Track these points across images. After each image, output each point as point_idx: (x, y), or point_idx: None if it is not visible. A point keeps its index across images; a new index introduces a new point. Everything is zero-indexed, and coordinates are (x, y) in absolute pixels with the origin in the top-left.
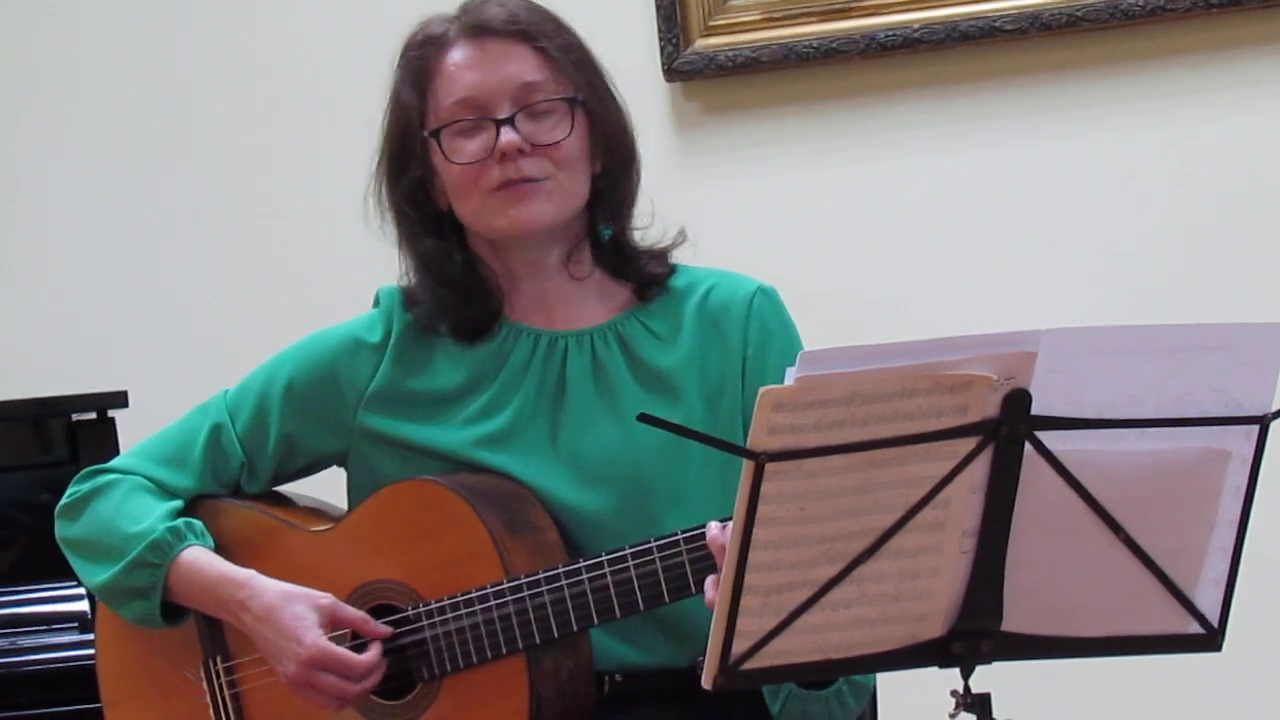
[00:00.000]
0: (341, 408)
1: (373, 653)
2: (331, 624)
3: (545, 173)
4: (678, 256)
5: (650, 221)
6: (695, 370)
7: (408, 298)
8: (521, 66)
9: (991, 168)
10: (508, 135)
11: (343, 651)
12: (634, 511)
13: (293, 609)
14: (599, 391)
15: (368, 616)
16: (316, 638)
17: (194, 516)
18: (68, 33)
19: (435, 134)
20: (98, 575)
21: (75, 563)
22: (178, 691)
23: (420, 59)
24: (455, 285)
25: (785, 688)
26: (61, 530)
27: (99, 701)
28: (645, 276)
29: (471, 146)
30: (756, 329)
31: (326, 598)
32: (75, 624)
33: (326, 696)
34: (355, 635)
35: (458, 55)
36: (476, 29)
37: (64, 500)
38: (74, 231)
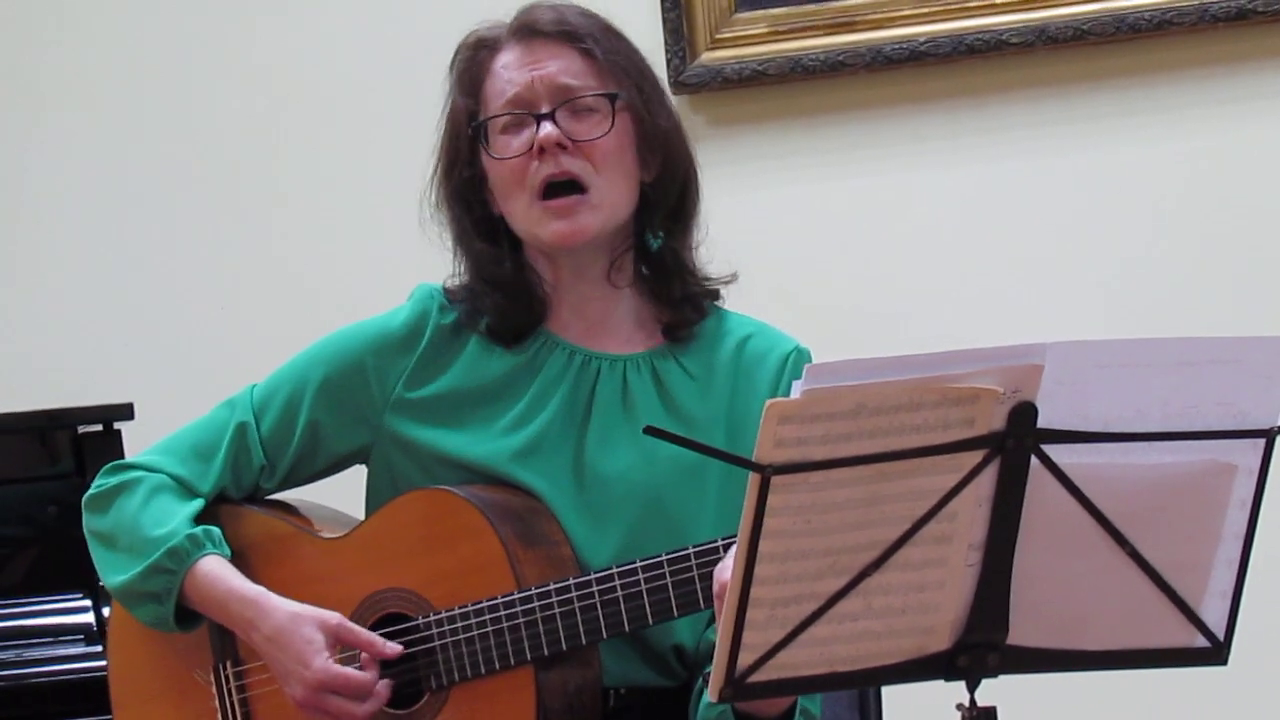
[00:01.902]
0: (369, 405)
1: (375, 673)
2: (339, 644)
3: (585, 174)
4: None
5: (701, 240)
6: (723, 415)
7: (450, 296)
8: (565, 66)
9: (998, 180)
10: (547, 129)
11: (350, 673)
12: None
13: (301, 631)
14: (625, 417)
15: (375, 637)
16: (323, 662)
17: (213, 520)
18: (73, 43)
19: (482, 130)
20: (116, 575)
21: (97, 555)
22: (187, 695)
23: (472, 61)
24: (504, 287)
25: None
26: (88, 521)
27: (106, 713)
28: (680, 314)
29: (515, 143)
30: (786, 386)
31: (335, 617)
32: (81, 636)
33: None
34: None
35: (506, 56)
36: (525, 31)
37: (91, 491)
38: (80, 243)
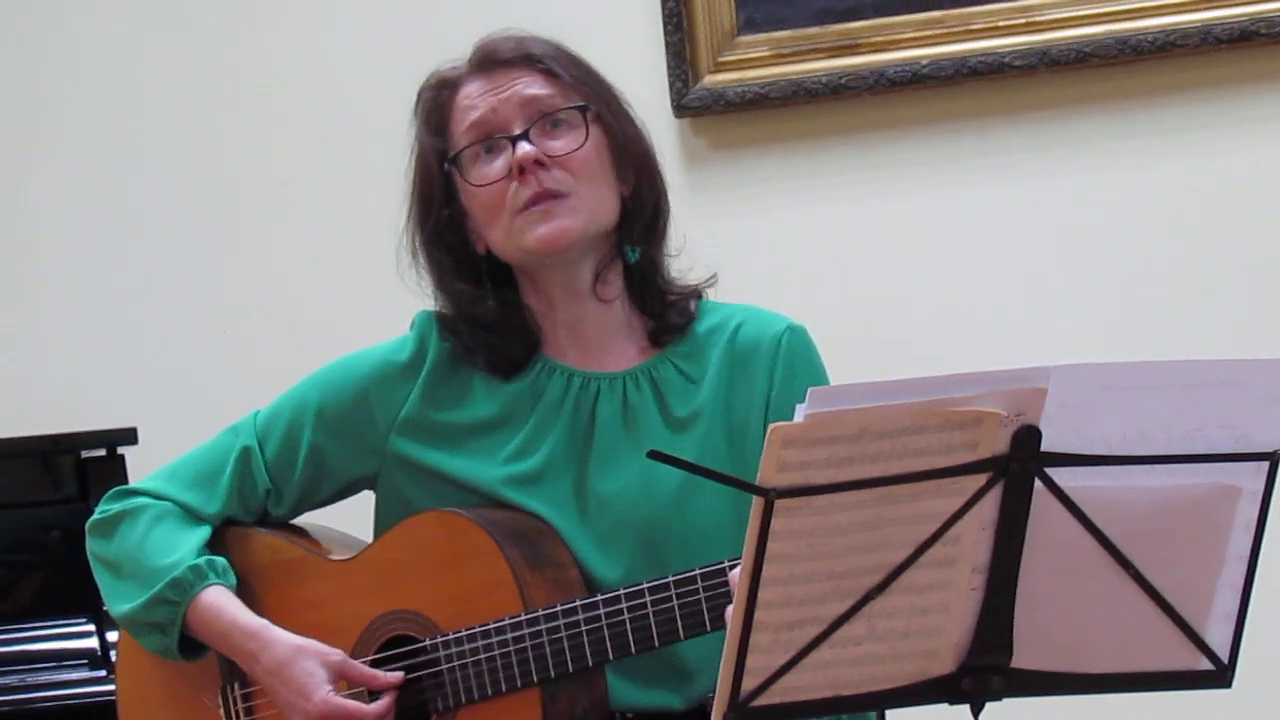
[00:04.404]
0: (372, 432)
1: (383, 703)
2: (341, 679)
3: (565, 185)
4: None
5: (680, 249)
6: (721, 410)
7: (445, 324)
8: (529, 85)
9: (1000, 203)
10: (523, 148)
11: (352, 705)
12: (649, 574)
13: (302, 665)
14: (628, 435)
15: (377, 673)
16: (325, 695)
17: (221, 543)
18: (77, 65)
19: (455, 162)
20: (121, 604)
21: (102, 581)
22: (195, 717)
23: (435, 101)
24: (489, 325)
25: None
26: (92, 547)
27: None
28: (664, 321)
29: (492, 169)
30: (783, 368)
31: (337, 654)
32: (85, 661)
33: None
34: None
35: (469, 88)
36: (485, 62)
37: (95, 517)
38: (83, 267)
